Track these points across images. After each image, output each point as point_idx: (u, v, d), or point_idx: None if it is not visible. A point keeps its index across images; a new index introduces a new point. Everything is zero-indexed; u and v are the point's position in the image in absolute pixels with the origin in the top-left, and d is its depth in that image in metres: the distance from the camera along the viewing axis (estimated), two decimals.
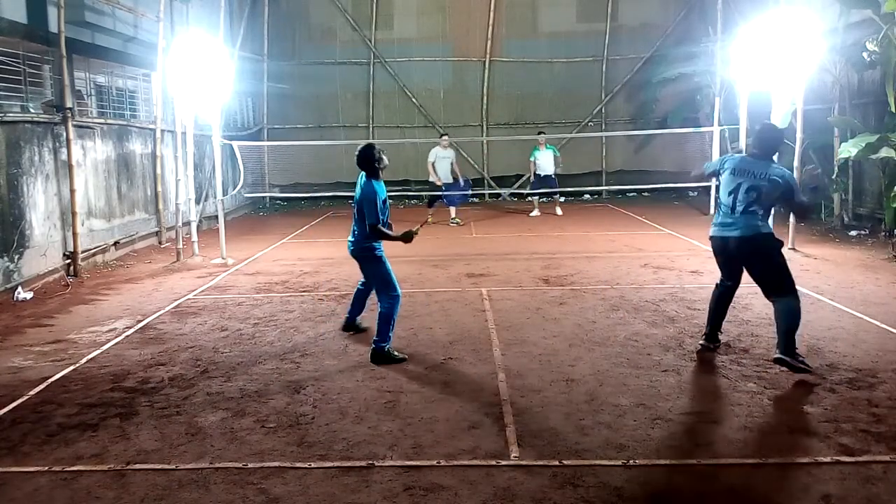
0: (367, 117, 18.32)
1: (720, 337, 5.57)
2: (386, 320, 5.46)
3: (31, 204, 8.48)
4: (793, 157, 9.79)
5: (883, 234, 10.58)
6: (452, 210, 13.88)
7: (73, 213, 9.14)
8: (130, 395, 4.87)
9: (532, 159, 14.44)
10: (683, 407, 4.47)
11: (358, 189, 5.53)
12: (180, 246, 10.21)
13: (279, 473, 3.68)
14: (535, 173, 14.56)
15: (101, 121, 10.58)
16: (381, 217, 5.42)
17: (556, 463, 3.72)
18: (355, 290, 6.18)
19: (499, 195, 18.00)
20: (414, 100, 18.17)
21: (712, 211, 13.52)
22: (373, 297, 5.99)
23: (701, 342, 5.54)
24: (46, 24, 9.20)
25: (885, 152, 9.89)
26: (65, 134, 9.05)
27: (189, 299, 7.74)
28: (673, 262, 9.27)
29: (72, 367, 5.47)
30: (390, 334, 5.48)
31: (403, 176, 16.70)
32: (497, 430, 4.14)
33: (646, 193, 17.49)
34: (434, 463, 3.75)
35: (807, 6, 10.26)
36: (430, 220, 13.52)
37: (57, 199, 9.01)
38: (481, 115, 18.33)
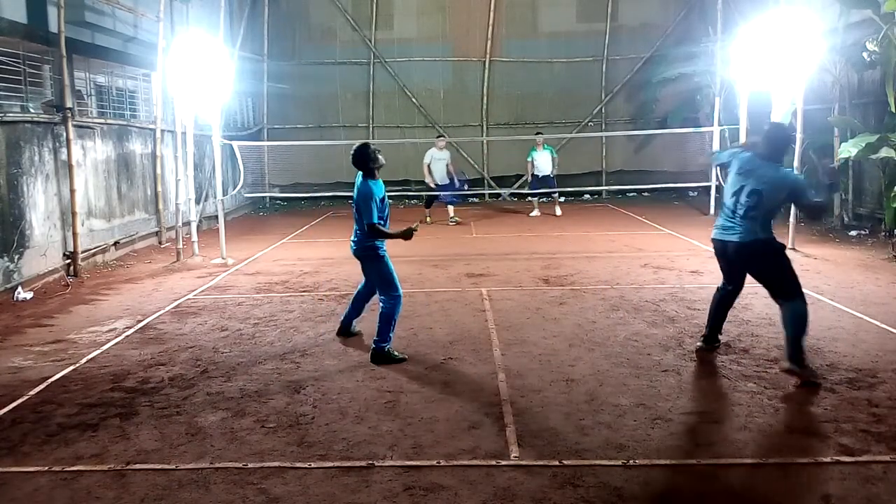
0: (367, 117, 18.32)
1: (720, 338, 5.56)
2: (387, 320, 5.45)
3: (31, 204, 8.48)
4: (793, 158, 9.79)
5: (883, 234, 10.58)
6: (451, 209, 13.93)
7: (73, 213, 9.14)
8: (130, 395, 4.87)
9: (529, 160, 14.42)
10: (683, 407, 4.47)
11: (355, 189, 5.53)
12: (180, 246, 10.21)
13: (279, 473, 3.68)
14: (532, 174, 14.55)
15: (101, 121, 10.58)
16: (381, 215, 5.42)
17: (556, 463, 3.72)
18: (355, 291, 6.17)
19: (499, 195, 18.00)
20: (414, 100, 18.17)
21: (713, 211, 13.53)
22: (372, 300, 5.99)
23: (699, 343, 5.53)
24: (46, 24, 9.20)
25: (885, 152, 9.90)
26: (65, 134, 9.05)
27: (189, 299, 7.74)
28: (673, 262, 9.27)
29: (72, 367, 5.47)
30: (391, 334, 5.48)
31: (403, 176, 16.68)
32: (497, 430, 4.14)
33: (646, 193, 17.50)
34: (434, 463, 3.75)
35: (807, 6, 10.25)
36: (428, 219, 13.55)
37: (57, 199, 9.01)
38: (481, 115, 18.32)
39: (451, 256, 10.12)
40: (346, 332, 6.14)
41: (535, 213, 14.84)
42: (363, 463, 3.77)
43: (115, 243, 10.57)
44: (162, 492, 3.52)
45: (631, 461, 3.73)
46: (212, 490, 3.52)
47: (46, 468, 3.80)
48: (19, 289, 7.97)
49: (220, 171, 10.75)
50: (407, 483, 3.54)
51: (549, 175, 14.35)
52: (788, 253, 5.21)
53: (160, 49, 10.85)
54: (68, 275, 9.02)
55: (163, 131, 11.95)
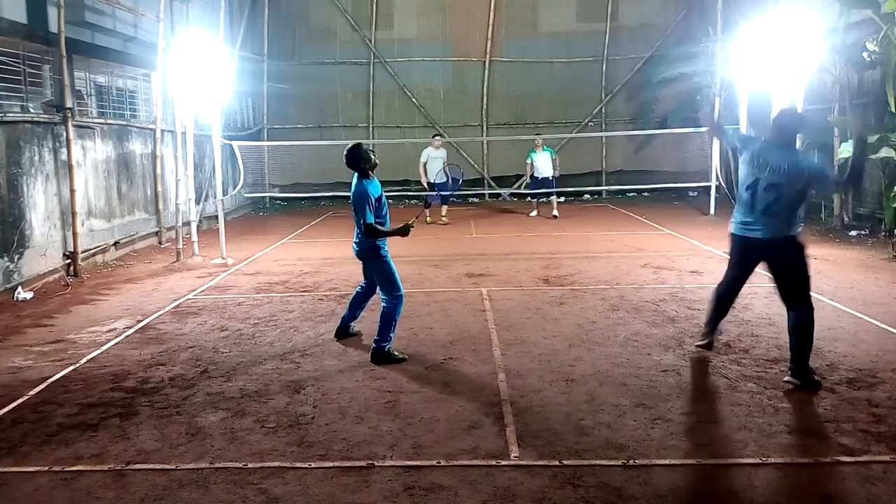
0: (367, 117, 18.31)
1: (720, 338, 5.53)
2: (387, 320, 5.45)
3: (31, 204, 8.48)
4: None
5: (883, 234, 10.58)
6: (444, 208, 14.03)
7: (73, 213, 9.14)
8: (130, 395, 4.87)
9: (529, 161, 14.39)
10: (683, 407, 4.47)
11: (351, 190, 5.53)
12: (180, 246, 10.21)
13: (279, 473, 3.68)
14: (531, 175, 14.52)
15: (101, 121, 10.58)
16: (379, 215, 5.42)
17: (556, 463, 3.72)
18: (354, 292, 6.17)
19: (499, 195, 18.00)
20: (414, 100, 18.17)
21: (713, 211, 13.53)
22: (372, 300, 5.99)
23: (697, 344, 5.46)
24: (46, 24, 9.20)
25: (885, 152, 9.90)
26: (65, 134, 9.05)
27: (189, 299, 7.74)
28: (673, 262, 9.27)
29: (72, 367, 5.47)
30: (391, 334, 5.48)
31: (403, 176, 16.66)
32: (497, 430, 4.14)
33: (646, 193, 17.50)
34: (434, 463, 3.75)
35: (807, 6, 10.27)
36: (428, 219, 13.56)
37: (57, 199, 9.01)
38: (481, 115, 18.33)
39: (451, 256, 10.12)
40: (344, 334, 6.14)
41: (535, 213, 14.83)
42: (363, 463, 3.77)
43: (115, 243, 10.57)
44: (162, 492, 3.52)
45: (631, 461, 3.73)
46: (212, 490, 3.52)
47: (46, 468, 3.80)
48: (19, 289, 7.97)
49: (220, 171, 10.75)
50: (407, 483, 3.54)
51: (548, 177, 14.26)
52: None
53: (160, 49, 10.85)
54: (68, 275, 9.02)
55: (163, 131, 11.95)
